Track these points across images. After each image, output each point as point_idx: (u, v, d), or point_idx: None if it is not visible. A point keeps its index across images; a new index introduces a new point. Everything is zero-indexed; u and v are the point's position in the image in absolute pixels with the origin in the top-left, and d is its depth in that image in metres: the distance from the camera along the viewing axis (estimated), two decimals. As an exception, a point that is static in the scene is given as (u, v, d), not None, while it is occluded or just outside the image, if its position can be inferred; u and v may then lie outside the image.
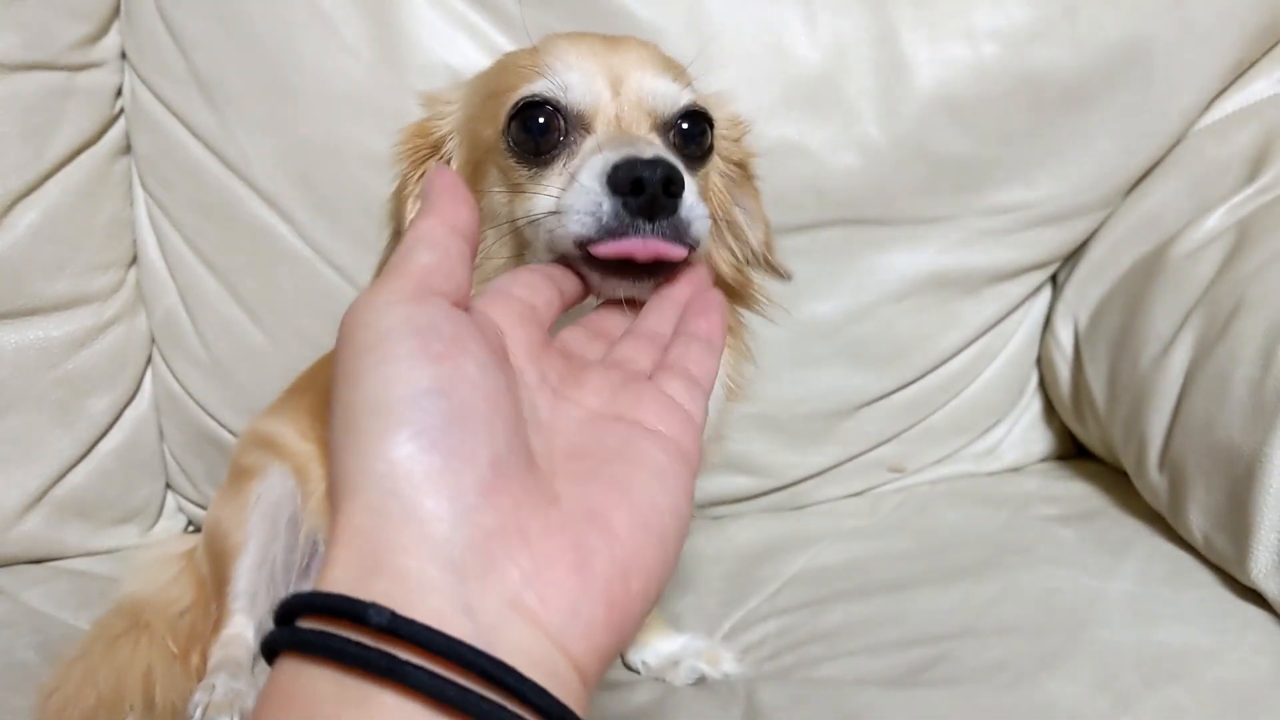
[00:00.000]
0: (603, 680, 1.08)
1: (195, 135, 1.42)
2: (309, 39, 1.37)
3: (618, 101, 0.82)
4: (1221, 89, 1.46)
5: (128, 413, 1.50)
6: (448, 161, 0.92)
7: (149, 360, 1.52)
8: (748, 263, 1.00)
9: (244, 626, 1.20)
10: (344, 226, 1.41)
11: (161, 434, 1.54)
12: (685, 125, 0.84)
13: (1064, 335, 1.52)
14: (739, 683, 1.13)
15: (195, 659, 1.20)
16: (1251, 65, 1.46)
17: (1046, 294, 1.58)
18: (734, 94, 1.01)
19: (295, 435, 1.26)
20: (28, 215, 1.37)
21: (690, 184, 0.74)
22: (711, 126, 0.86)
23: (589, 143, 0.79)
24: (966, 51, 1.40)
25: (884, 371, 1.51)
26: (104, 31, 1.42)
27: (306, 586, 1.27)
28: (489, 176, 0.86)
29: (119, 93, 1.45)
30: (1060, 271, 1.56)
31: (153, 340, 1.52)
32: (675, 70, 0.86)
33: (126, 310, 1.48)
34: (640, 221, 0.71)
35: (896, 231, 1.45)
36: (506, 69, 0.89)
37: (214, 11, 1.39)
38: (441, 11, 1.39)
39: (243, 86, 1.39)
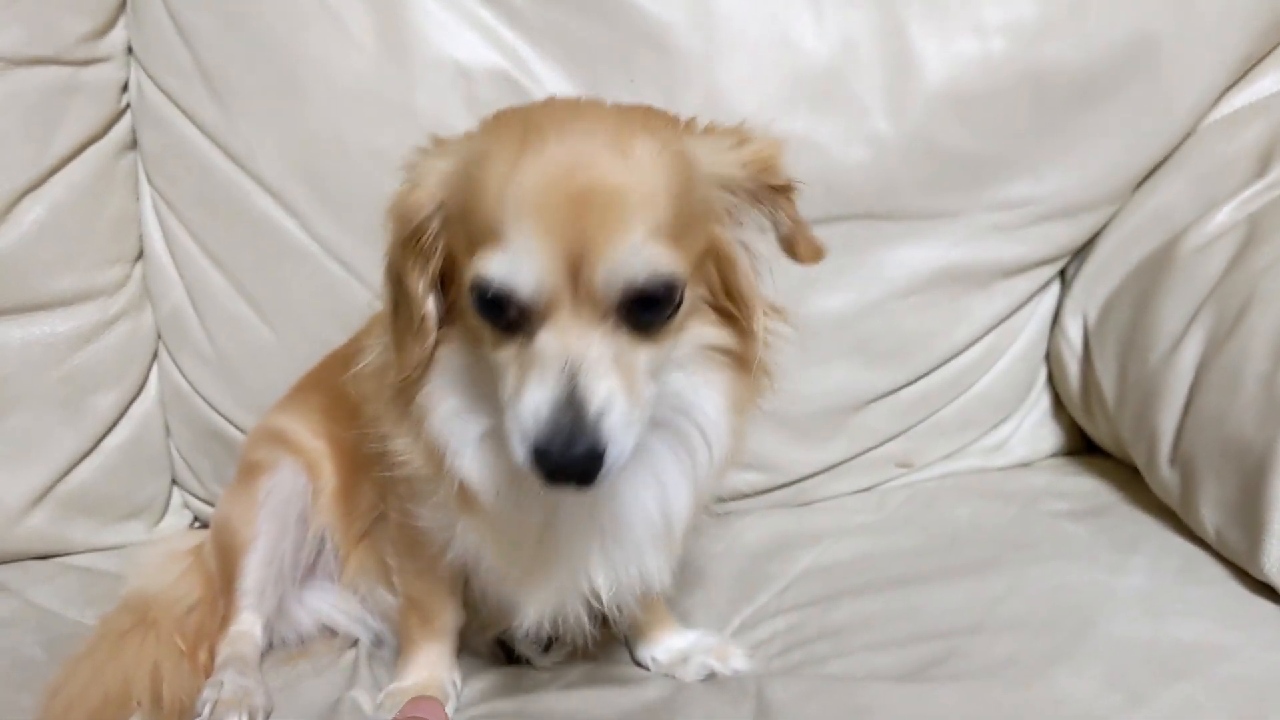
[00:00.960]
0: (612, 676, 1.09)
1: (201, 130, 1.42)
2: (315, 33, 1.37)
3: (576, 288, 0.80)
4: (1229, 85, 1.46)
5: (133, 409, 1.50)
6: (431, 247, 0.89)
7: (155, 356, 1.52)
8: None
9: (252, 623, 1.20)
10: (350, 221, 1.41)
11: (167, 430, 1.54)
12: (647, 299, 0.82)
13: (1073, 331, 1.51)
14: (749, 679, 1.12)
15: (203, 656, 1.19)
16: (1259, 61, 1.46)
17: (1055, 290, 1.57)
18: (767, 119, 0.99)
19: (306, 431, 1.25)
20: (33, 211, 1.37)
21: (620, 417, 0.79)
22: (678, 293, 0.83)
23: (541, 338, 0.81)
24: (975, 46, 1.40)
25: (892, 367, 1.50)
26: (110, 26, 1.42)
27: (314, 583, 1.28)
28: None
29: (125, 88, 1.45)
30: (1069, 267, 1.55)
31: (159, 336, 1.52)
32: (646, 226, 0.80)
33: (132, 306, 1.48)
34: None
35: (905, 226, 1.45)
36: (478, 184, 0.83)
37: (220, 6, 1.39)
38: (448, 6, 1.39)
39: (249, 81, 1.39)
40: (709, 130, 0.91)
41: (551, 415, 0.78)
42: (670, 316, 0.84)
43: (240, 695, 1.07)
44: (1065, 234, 1.49)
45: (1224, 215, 1.34)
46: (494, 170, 0.81)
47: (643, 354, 0.83)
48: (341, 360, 1.17)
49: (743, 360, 0.95)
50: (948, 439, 1.56)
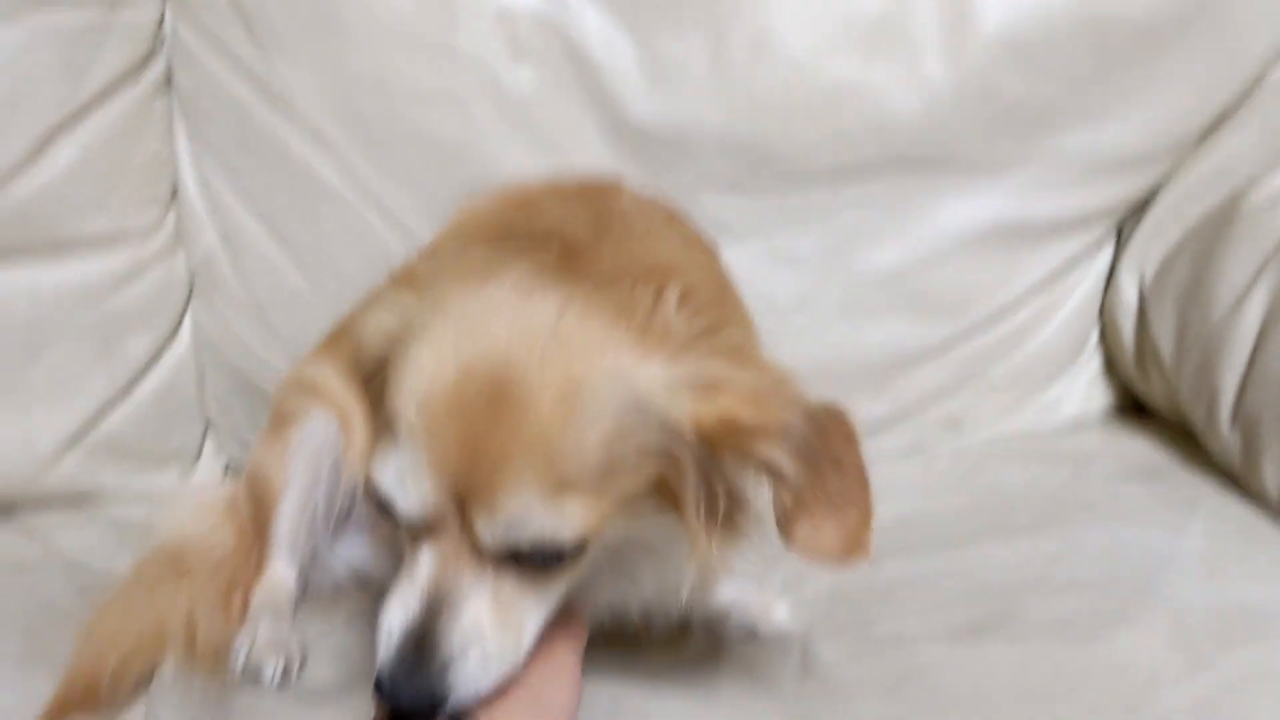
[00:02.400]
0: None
1: (238, 70, 1.40)
2: (355, -30, 1.34)
3: (462, 522, 0.74)
4: (1300, 37, 1.41)
5: (166, 354, 1.48)
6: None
7: (188, 301, 1.50)
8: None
9: (286, 571, 1.19)
10: (390, 165, 1.39)
11: (200, 376, 1.52)
12: (535, 555, 0.75)
13: (1128, 288, 1.47)
14: (792, 636, 1.10)
15: (236, 603, 1.18)
16: (1332, 12, 1.41)
17: (1110, 247, 1.53)
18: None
19: (337, 381, 1.23)
20: (66, 151, 1.34)
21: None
22: (578, 549, 0.75)
23: (421, 554, 0.76)
24: (1035, -10, 1.35)
25: (942, 323, 1.47)
26: (144, -37, 1.39)
27: (347, 533, 1.26)
28: None
29: (160, 27, 1.42)
30: (1125, 224, 1.51)
31: (191, 281, 1.50)
32: (545, 484, 0.72)
33: (166, 250, 1.46)
34: None
35: (959, 177, 1.41)
36: (398, 367, 0.77)
37: (257, -58, 1.36)
38: (493, -55, 1.35)
39: (287, 20, 1.37)
40: (687, 352, 0.76)
41: (400, 645, 0.75)
42: (568, 564, 0.77)
43: (275, 642, 1.05)
44: (1123, 187, 1.46)
45: (1293, 169, 1.30)
46: (410, 365, 0.75)
47: (530, 593, 0.77)
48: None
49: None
50: (998, 397, 1.52)
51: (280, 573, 1.18)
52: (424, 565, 0.75)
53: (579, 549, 0.75)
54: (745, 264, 1.40)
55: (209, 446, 1.56)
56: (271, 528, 1.19)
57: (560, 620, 0.83)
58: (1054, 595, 1.08)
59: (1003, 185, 1.42)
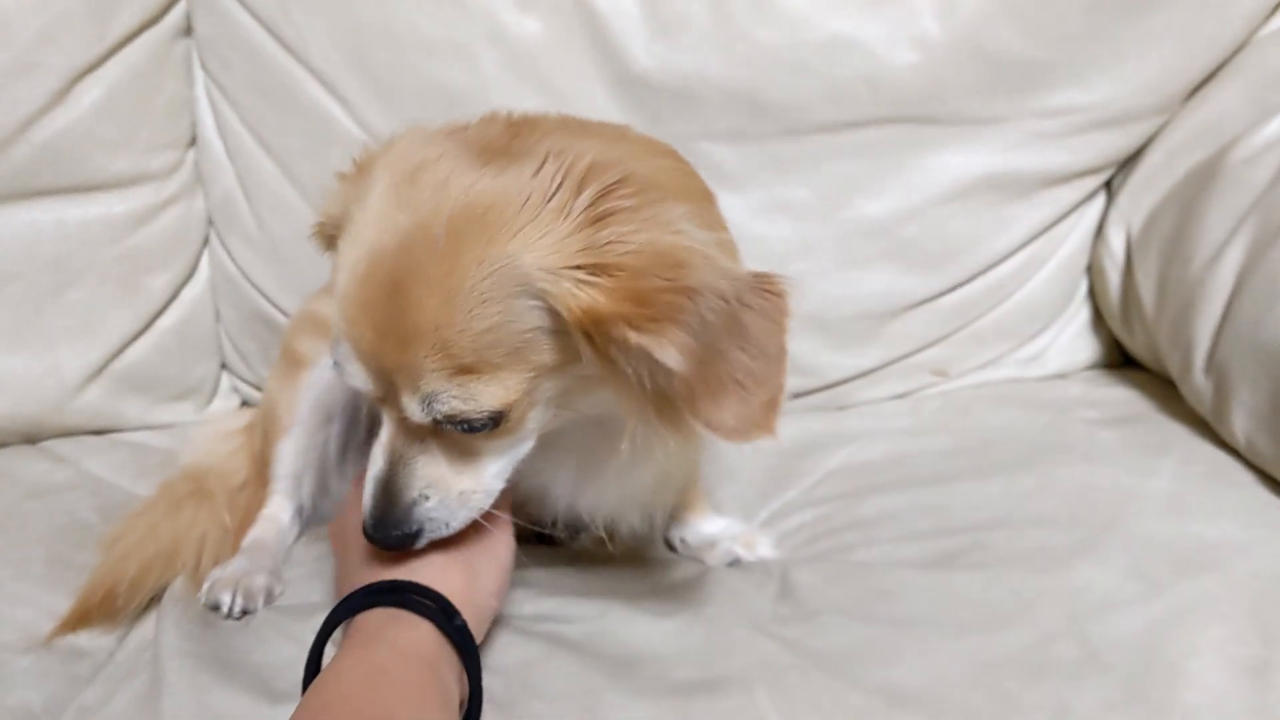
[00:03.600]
0: (641, 557, 1.12)
1: (255, 17, 1.43)
2: (368, -81, 1.37)
3: (398, 397, 0.82)
4: (1287, -5, 1.43)
5: (185, 291, 1.53)
6: None
7: (206, 241, 1.55)
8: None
9: (281, 508, 1.23)
10: (398, 110, 1.42)
11: (217, 314, 1.58)
12: (461, 424, 0.82)
13: (1116, 242, 1.50)
14: (774, 564, 1.16)
15: (245, 533, 1.23)
16: (1319, -30, 1.42)
17: (1100, 201, 1.56)
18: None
19: None
20: (91, 92, 1.39)
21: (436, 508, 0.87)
22: (497, 417, 0.81)
23: (384, 418, 0.87)
24: (1029, -54, 1.37)
25: (932, 273, 1.50)
26: (166, -90, 1.42)
27: (359, 459, 1.30)
28: None
29: (181, -28, 1.46)
30: (1115, 178, 1.54)
31: (210, 221, 1.55)
32: (449, 367, 0.78)
33: (185, 190, 1.50)
34: None
35: (951, 131, 1.44)
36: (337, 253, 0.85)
37: (274, -107, 1.39)
38: (500, -108, 1.38)
39: (301, -33, 1.40)
40: (580, 233, 0.76)
41: (374, 493, 0.87)
42: (501, 429, 0.83)
43: (239, 576, 1.08)
44: (1113, 143, 1.48)
45: (1275, 126, 1.32)
46: (339, 256, 0.83)
47: (479, 448, 0.86)
48: None
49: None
50: (985, 348, 1.56)
51: (275, 508, 1.23)
52: (385, 429, 0.86)
53: (500, 418, 0.81)
54: (744, 213, 1.46)
55: (225, 381, 1.62)
56: (272, 465, 1.23)
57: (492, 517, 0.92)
58: (1022, 529, 1.13)
59: (994, 140, 1.45)
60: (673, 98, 1.41)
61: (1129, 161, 1.52)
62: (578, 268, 0.75)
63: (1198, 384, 1.29)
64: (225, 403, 1.61)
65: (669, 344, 0.74)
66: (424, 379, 0.79)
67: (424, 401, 0.80)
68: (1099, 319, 1.60)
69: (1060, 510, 1.15)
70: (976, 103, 1.43)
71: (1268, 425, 1.16)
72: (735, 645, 0.97)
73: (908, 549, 1.13)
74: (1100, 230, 1.55)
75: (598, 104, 1.42)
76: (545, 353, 0.80)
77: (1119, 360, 1.60)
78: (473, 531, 0.88)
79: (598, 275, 0.75)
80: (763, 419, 0.78)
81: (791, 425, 1.47)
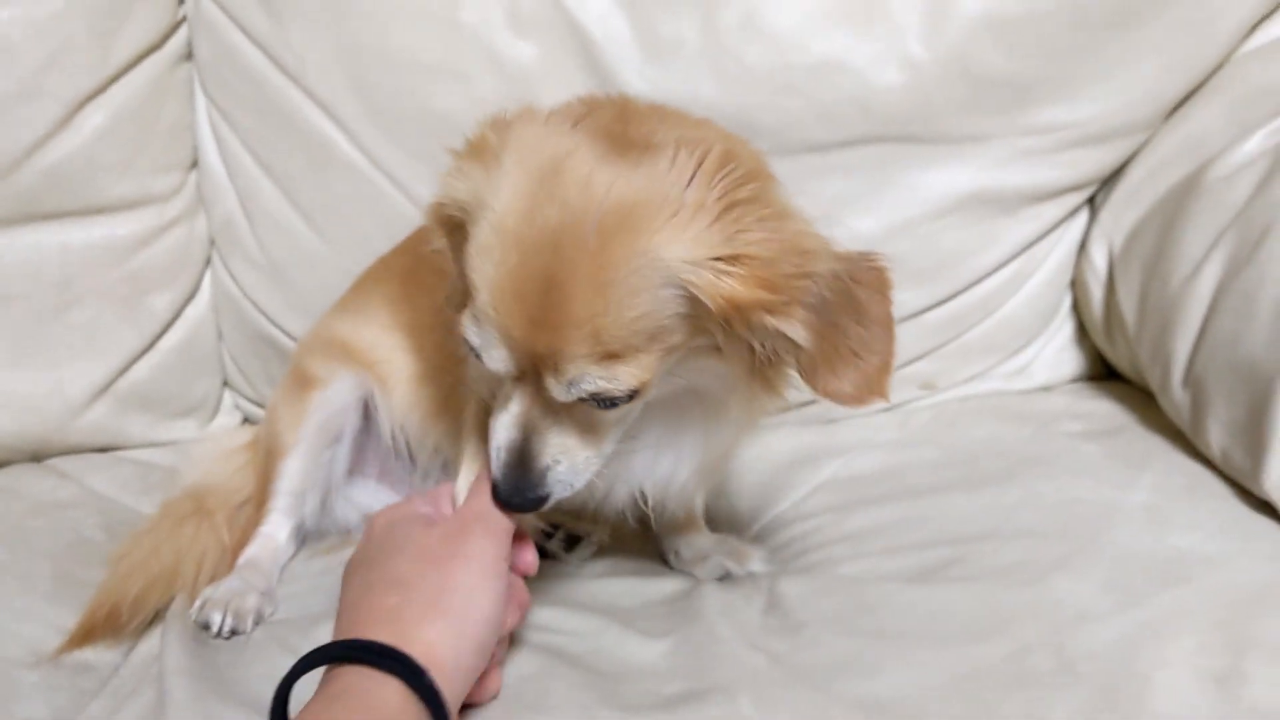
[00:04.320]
0: (635, 570, 1.15)
1: (254, 42, 1.46)
2: (364, -54, 1.40)
3: (536, 377, 0.87)
4: (1267, 14, 1.45)
5: (187, 311, 1.56)
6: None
7: (208, 261, 1.59)
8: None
9: (278, 526, 1.26)
10: (396, 133, 1.45)
11: (219, 333, 1.61)
12: (599, 400, 0.87)
13: (1099, 257, 1.53)
14: (763, 577, 1.18)
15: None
16: (1299, -11, 1.45)
17: (1083, 217, 1.58)
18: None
19: (378, 331, 1.27)
20: (95, 116, 1.42)
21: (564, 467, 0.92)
22: (634, 395, 0.87)
23: (514, 393, 0.91)
24: (1013, -32, 1.40)
25: (920, 288, 1.53)
26: (167, -61, 1.45)
27: (360, 480, 1.33)
28: None
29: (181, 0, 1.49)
30: (1098, 195, 1.57)
31: (212, 242, 1.58)
32: (596, 352, 0.83)
33: (187, 212, 1.54)
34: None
35: (938, 149, 1.46)
36: (473, 235, 0.87)
37: (271, -80, 1.42)
38: (494, -82, 1.40)
39: (300, -6, 1.43)
40: (715, 226, 0.82)
41: (506, 459, 0.91)
42: (631, 402, 0.89)
43: (230, 597, 1.11)
44: (1096, 160, 1.50)
45: (1253, 144, 1.34)
46: (480, 246, 0.86)
47: (603, 419, 0.92)
48: (411, 246, 1.25)
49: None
50: (972, 362, 1.59)
51: (272, 527, 1.26)
52: (516, 402, 0.90)
53: (634, 394, 0.87)
54: (734, 230, 1.47)
55: (227, 400, 1.65)
56: (272, 485, 1.25)
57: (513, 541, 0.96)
58: (1005, 542, 1.15)
59: (981, 157, 1.47)
60: (664, 119, 1.44)
61: (1112, 178, 1.54)
62: (716, 259, 0.82)
63: (1176, 397, 1.32)
64: (228, 419, 1.65)
65: (799, 324, 0.83)
66: (572, 363, 0.84)
67: (569, 383, 0.85)
68: (1083, 333, 1.62)
69: (1042, 523, 1.18)
70: (963, 121, 1.45)
71: (1242, 438, 1.19)
72: (723, 658, 1.00)
73: (893, 562, 1.16)
74: (1083, 246, 1.57)
75: (590, 125, 1.45)
76: (678, 333, 0.86)
77: (1103, 373, 1.63)
78: (461, 586, 0.88)
79: (734, 265, 0.82)
80: (877, 383, 0.89)
81: (782, 439, 1.52)
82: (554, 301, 0.82)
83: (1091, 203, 1.58)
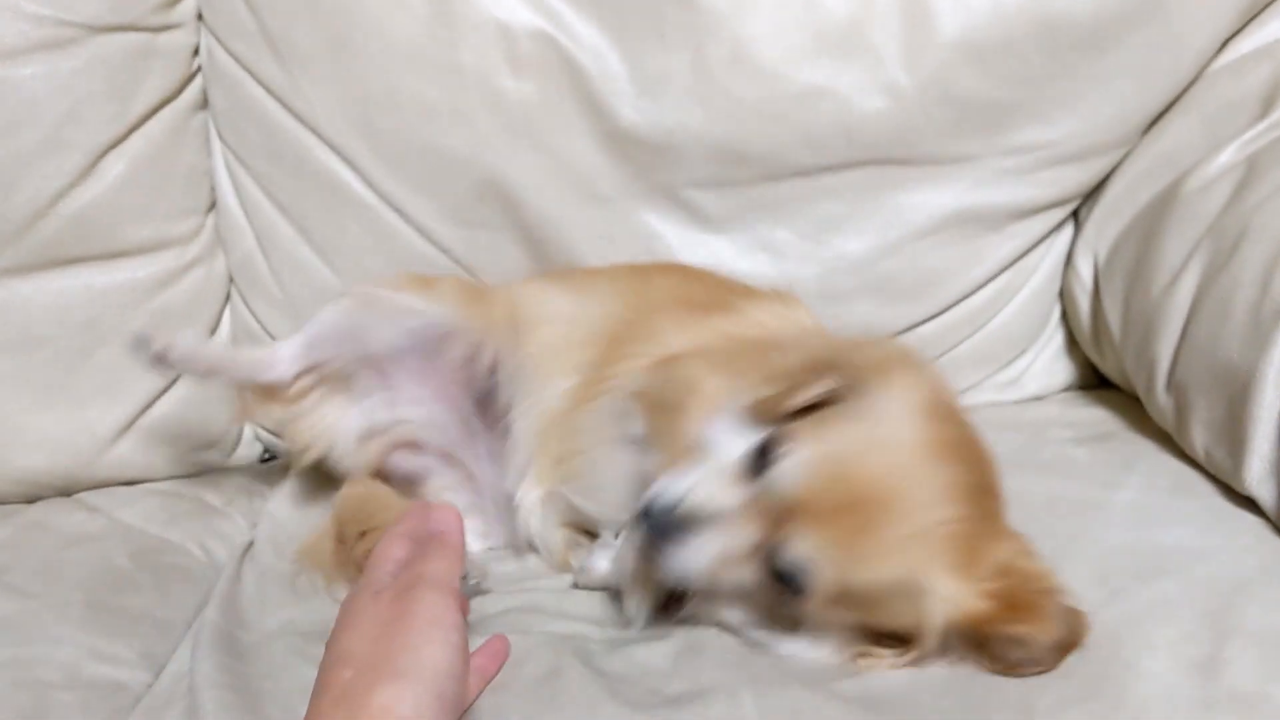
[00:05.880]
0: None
1: (267, 90, 1.52)
2: (370, -3, 1.46)
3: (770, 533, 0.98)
4: (1237, 29, 1.50)
5: (208, 349, 1.61)
6: None
7: (227, 299, 1.64)
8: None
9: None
10: (404, 172, 1.51)
11: (239, 369, 1.66)
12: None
13: (1084, 269, 1.58)
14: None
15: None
16: (1266, 6, 1.49)
17: (1068, 231, 1.63)
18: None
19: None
20: (116, 166, 1.47)
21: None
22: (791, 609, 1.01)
23: (721, 492, 1.02)
24: (988, -3, 1.45)
25: (911, 304, 1.58)
26: (181, -4, 1.52)
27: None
28: None
29: (196, 52, 1.55)
30: (1081, 209, 1.61)
31: (231, 280, 1.63)
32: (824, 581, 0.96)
33: (206, 253, 1.59)
34: None
35: (922, 171, 1.51)
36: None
37: (282, -26, 1.48)
38: (493, -30, 1.46)
39: (309, 44, 1.49)
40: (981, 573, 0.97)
41: (667, 509, 1.00)
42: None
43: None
44: (1077, 177, 1.55)
45: (1226, 156, 1.39)
46: (804, 453, 0.98)
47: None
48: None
49: None
50: (964, 374, 1.64)
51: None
52: (719, 496, 1.01)
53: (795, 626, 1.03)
54: (729, 253, 1.54)
55: (247, 432, 1.69)
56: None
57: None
58: (995, 543, 1.19)
59: (965, 177, 1.52)
60: (658, 150, 1.50)
61: (1094, 193, 1.59)
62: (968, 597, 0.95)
63: (1161, 401, 1.36)
64: (247, 451, 1.70)
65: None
66: (818, 571, 0.95)
67: (793, 565, 0.95)
68: (1073, 343, 1.67)
69: (1030, 521, 1.20)
70: (945, 143, 1.50)
71: (1223, 438, 1.23)
72: (725, 658, 1.04)
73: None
74: (1069, 259, 1.62)
75: (588, 158, 1.51)
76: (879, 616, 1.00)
77: (1094, 381, 1.67)
78: (410, 644, 0.89)
79: (979, 602, 0.96)
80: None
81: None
82: (841, 531, 0.94)
83: (1076, 216, 1.63)
